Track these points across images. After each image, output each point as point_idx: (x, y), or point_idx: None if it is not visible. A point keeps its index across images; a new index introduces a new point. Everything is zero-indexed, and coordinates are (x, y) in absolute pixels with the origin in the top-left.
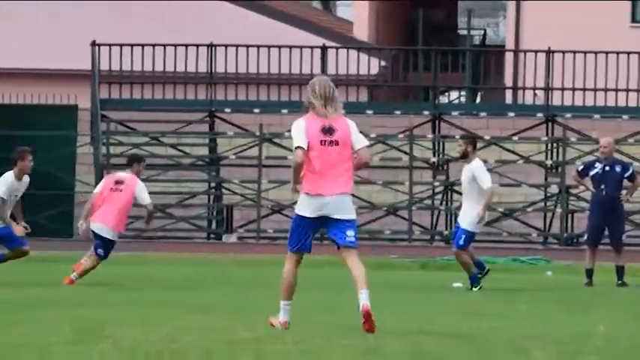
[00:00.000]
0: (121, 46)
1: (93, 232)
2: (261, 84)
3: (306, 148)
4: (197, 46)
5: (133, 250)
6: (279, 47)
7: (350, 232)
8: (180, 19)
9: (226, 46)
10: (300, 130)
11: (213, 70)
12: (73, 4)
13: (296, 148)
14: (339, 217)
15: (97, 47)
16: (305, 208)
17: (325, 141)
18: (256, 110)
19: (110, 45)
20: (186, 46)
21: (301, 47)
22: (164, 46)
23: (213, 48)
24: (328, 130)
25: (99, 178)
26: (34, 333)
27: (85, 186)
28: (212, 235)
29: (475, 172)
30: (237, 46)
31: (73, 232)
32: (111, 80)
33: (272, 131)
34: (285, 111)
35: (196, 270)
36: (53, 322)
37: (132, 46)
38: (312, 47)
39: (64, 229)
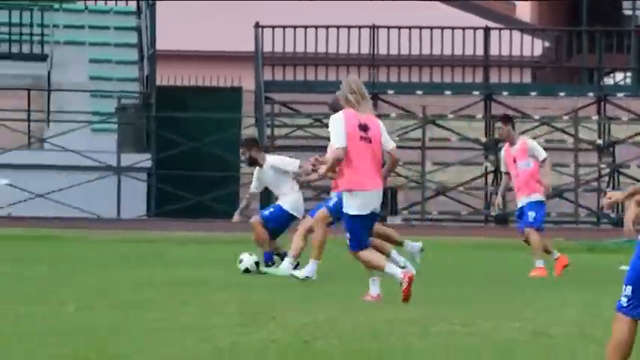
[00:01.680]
0: (284, 27)
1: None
2: (423, 66)
3: (346, 146)
4: (359, 27)
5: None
6: (442, 29)
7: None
8: (341, 2)
9: (389, 27)
10: (341, 127)
11: (375, 52)
12: None
13: (337, 148)
14: (378, 212)
15: (260, 29)
16: (354, 206)
17: (363, 137)
18: (419, 92)
19: (273, 27)
20: (349, 27)
21: (464, 28)
22: (327, 27)
23: (376, 29)
24: (363, 128)
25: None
26: (199, 314)
27: (250, 167)
28: None
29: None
30: (399, 27)
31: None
32: (274, 62)
33: (435, 113)
34: (448, 92)
35: None
36: (218, 304)
37: (295, 27)
38: (474, 28)
39: (229, 210)
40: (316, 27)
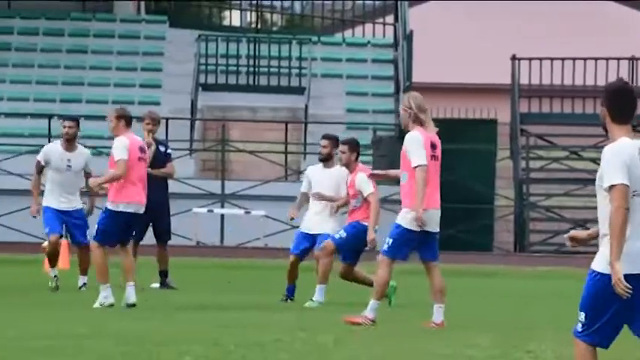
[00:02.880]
0: (540, 60)
1: None
2: None
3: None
4: (618, 59)
5: (550, 265)
6: None
7: (436, 247)
8: (601, 32)
9: None
10: (421, 146)
11: (635, 84)
12: (496, 20)
13: (422, 166)
14: (433, 232)
15: (517, 61)
16: (409, 220)
17: (433, 156)
18: None
19: (530, 59)
20: (607, 59)
21: None
22: (584, 59)
23: (635, 61)
24: (433, 146)
25: (518, 192)
26: (453, 344)
27: (504, 200)
28: None
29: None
30: None
31: (492, 247)
32: (530, 94)
33: None
34: None
35: None
36: (473, 335)
37: (552, 59)
38: None
39: (482, 242)
40: (574, 59)
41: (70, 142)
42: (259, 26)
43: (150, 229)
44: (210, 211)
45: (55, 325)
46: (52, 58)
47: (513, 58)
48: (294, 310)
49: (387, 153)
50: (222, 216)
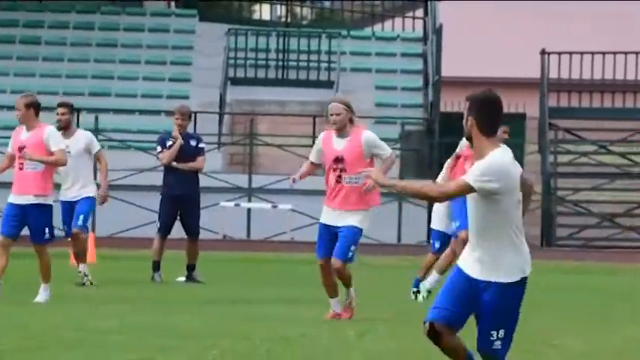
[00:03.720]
0: (570, 54)
1: None
2: None
3: None
4: None
5: (577, 259)
6: None
7: None
8: (626, 32)
9: None
10: None
11: None
12: (523, 13)
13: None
14: None
15: (546, 55)
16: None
17: None
18: None
19: (559, 53)
20: (637, 53)
21: None
22: (614, 54)
23: None
24: None
25: (546, 186)
26: None
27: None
28: None
29: None
30: None
31: None
32: (560, 88)
33: None
34: None
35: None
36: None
37: (581, 54)
38: None
39: None
40: (603, 53)
41: (65, 129)
42: (289, 20)
43: (177, 223)
44: (238, 205)
45: (81, 319)
46: (81, 52)
47: (543, 52)
48: (320, 305)
49: (414, 147)
50: (249, 210)
